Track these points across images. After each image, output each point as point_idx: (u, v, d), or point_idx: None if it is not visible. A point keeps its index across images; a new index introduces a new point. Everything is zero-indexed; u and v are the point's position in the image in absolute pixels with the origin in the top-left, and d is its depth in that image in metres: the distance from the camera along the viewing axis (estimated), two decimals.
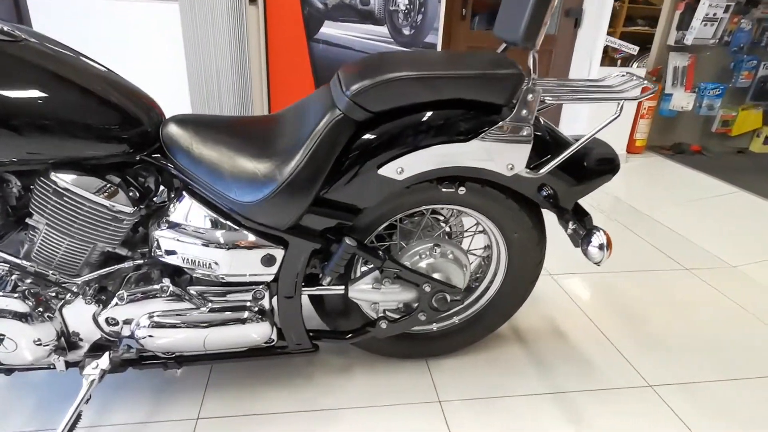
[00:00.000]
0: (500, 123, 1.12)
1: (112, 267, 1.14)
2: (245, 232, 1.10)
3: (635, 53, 3.31)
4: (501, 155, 1.14)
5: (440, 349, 1.52)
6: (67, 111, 0.96)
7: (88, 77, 1.02)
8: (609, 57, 3.33)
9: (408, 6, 3.12)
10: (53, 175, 1.00)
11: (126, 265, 1.15)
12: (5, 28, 0.97)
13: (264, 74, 3.08)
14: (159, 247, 1.11)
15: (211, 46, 2.86)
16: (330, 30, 3.12)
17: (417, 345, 1.49)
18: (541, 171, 1.17)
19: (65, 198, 1.01)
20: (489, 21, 3.57)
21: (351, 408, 1.36)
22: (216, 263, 1.10)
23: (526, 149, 1.14)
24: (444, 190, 1.18)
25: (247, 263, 1.12)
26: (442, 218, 1.50)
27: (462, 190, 1.19)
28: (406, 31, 3.19)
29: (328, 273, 1.17)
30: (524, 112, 1.12)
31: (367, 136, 1.10)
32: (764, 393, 1.48)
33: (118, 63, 2.91)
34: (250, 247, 1.10)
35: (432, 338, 1.49)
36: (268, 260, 1.12)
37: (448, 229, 1.51)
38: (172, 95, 3.01)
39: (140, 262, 1.16)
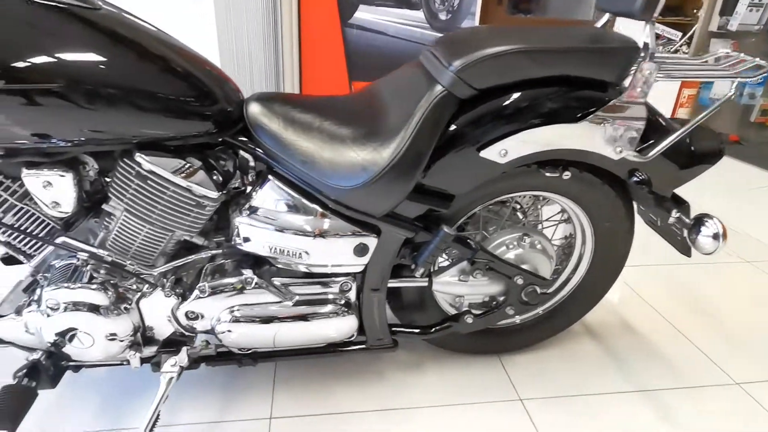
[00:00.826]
0: (612, 101, 1.03)
1: (189, 257, 1.06)
2: (339, 219, 1.02)
3: (677, 39, 3.20)
4: (611, 137, 1.05)
5: (516, 344, 1.44)
6: (153, 85, 0.88)
7: (171, 50, 0.93)
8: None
9: None
10: (138, 156, 0.91)
11: (202, 255, 1.07)
12: None
13: (296, 58, 2.98)
14: (240, 235, 1.03)
15: (244, 29, 2.77)
16: (364, 15, 3.01)
17: (492, 340, 1.41)
18: (650, 154, 1.08)
19: (149, 181, 0.93)
20: (515, 6, 3.45)
21: (428, 407, 1.29)
22: (306, 252, 1.02)
23: (638, 131, 1.05)
24: (548, 174, 1.09)
25: (339, 252, 1.03)
26: (518, 206, 1.41)
27: (567, 175, 1.10)
28: (443, 16, 3.09)
29: (422, 264, 1.08)
30: (638, 89, 1.03)
31: (467, 116, 1.02)
32: None
33: None
34: (343, 236, 1.02)
35: (508, 333, 1.41)
36: (360, 249, 1.04)
37: (521, 217, 1.43)
38: None
39: (216, 252, 1.08)
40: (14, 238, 0.99)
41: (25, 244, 1.01)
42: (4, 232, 0.98)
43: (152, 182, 0.93)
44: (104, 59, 0.85)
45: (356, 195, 0.98)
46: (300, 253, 1.02)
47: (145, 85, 0.87)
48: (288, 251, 1.02)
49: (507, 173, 1.11)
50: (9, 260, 1.13)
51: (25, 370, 0.95)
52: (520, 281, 1.20)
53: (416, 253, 1.11)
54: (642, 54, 1.03)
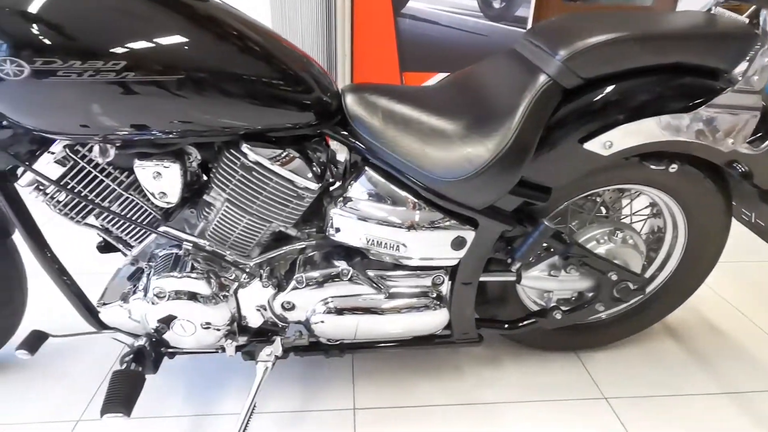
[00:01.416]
0: (727, 90, 0.97)
1: (283, 248, 1.06)
2: (437, 212, 1.00)
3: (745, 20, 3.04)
4: (724, 128, 1.00)
5: (596, 341, 1.40)
6: (260, 77, 0.88)
7: (274, 42, 0.93)
8: None
9: None
10: (244, 147, 0.92)
11: (296, 246, 1.07)
12: None
13: (348, 47, 2.97)
14: (335, 226, 1.02)
15: (298, 18, 2.77)
16: (417, 4, 2.97)
17: (572, 336, 1.37)
18: (762, 146, 1.03)
19: (254, 172, 0.93)
20: None
21: (511, 402, 1.27)
22: (404, 245, 1.01)
23: (753, 121, 1.00)
24: (653, 167, 1.05)
25: (437, 245, 1.02)
26: (599, 200, 1.36)
27: (673, 168, 1.05)
28: (497, 4, 3.02)
29: (520, 258, 1.06)
30: (756, 77, 0.97)
31: (570, 106, 0.98)
32: None
33: None
34: (442, 228, 1.00)
35: (589, 329, 1.37)
36: (458, 243, 1.02)
37: (603, 211, 1.38)
38: None
39: (309, 243, 1.08)
40: (118, 227, 1.02)
41: (127, 234, 1.04)
42: (109, 221, 1.00)
43: (257, 173, 0.93)
44: (214, 52, 0.85)
45: (460, 187, 0.96)
46: (397, 245, 1.01)
47: (253, 77, 0.87)
48: (385, 243, 1.01)
49: (606, 166, 1.07)
50: (105, 248, 1.16)
51: (131, 356, 0.98)
52: (614, 277, 1.16)
53: (511, 247, 1.09)
54: (759, 42, 0.97)
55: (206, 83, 0.84)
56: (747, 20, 1.06)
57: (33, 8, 0.74)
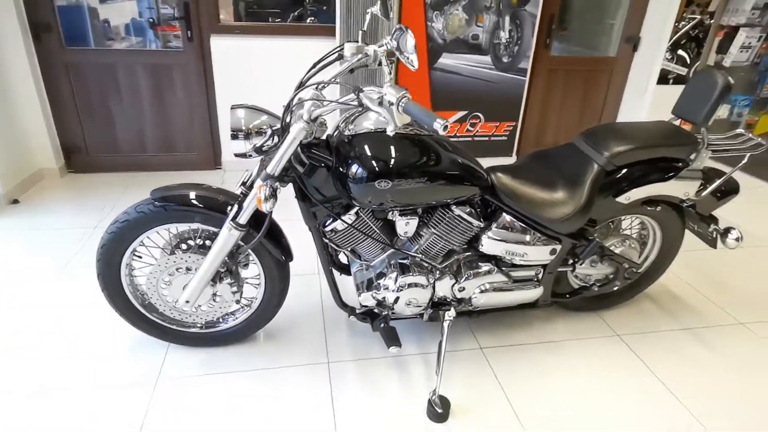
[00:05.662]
0: (685, 170, 1.92)
1: (456, 257, 1.93)
2: (543, 236, 1.90)
3: (684, 73, 4.12)
4: (683, 188, 1.95)
5: (609, 304, 2.36)
6: (457, 172, 1.72)
7: (462, 153, 1.78)
8: (661, 76, 4.13)
9: (508, 39, 3.86)
10: (453, 208, 1.77)
11: (461, 256, 1.94)
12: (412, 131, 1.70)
13: None
14: (483, 244, 1.89)
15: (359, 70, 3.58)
16: (446, 60, 3.85)
17: (594, 302, 2.32)
18: (703, 194, 1.99)
19: (455, 220, 1.79)
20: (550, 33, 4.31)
21: (570, 340, 2.19)
22: (526, 253, 1.90)
23: (697, 182, 1.95)
24: (648, 208, 2.00)
25: (543, 253, 1.92)
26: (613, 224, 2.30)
27: (659, 208, 2.01)
28: (505, 59, 3.94)
29: (583, 258, 1.98)
30: (698, 163, 1.93)
31: (608, 179, 1.90)
32: None
33: (282, 91, 3.62)
34: (546, 244, 1.91)
35: (605, 297, 2.32)
36: (552, 251, 1.93)
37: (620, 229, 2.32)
38: None
39: (467, 254, 1.95)
40: (364, 251, 1.84)
41: (367, 253, 1.86)
42: (359, 247, 1.83)
43: (457, 220, 1.79)
44: (440, 165, 1.68)
45: (555, 225, 1.85)
46: (523, 254, 1.90)
47: (456, 173, 1.71)
48: (516, 253, 1.90)
49: (626, 207, 2.00)
50: (340, 268, 1.99)
51: (382, 324, 1.83)
52: (626, 266, 2.11)
53: (576, 252, 2.00)
54: (700, 145, 1.92)
55: (436, 181, 1.67)
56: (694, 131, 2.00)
57: (395, 155, 1.56)
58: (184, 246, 1.83)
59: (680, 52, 4.10)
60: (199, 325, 1.98)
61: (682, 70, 4.11)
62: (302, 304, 2.35)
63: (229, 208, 1.72)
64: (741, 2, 4.03)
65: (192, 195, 1.72)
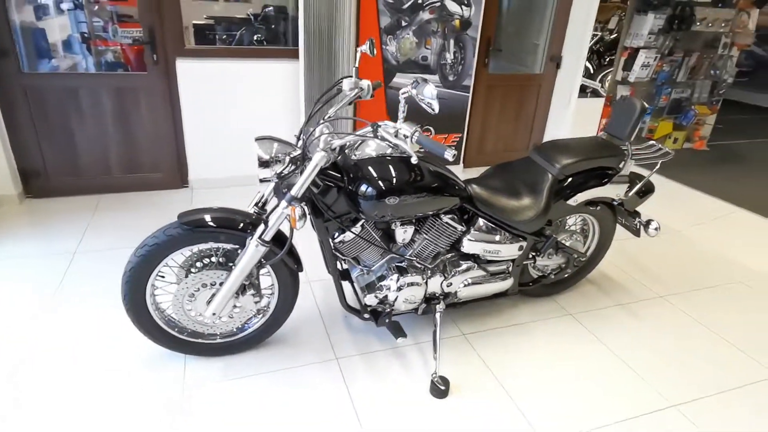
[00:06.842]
0: (615, 176, 2.40)
1: (443, 257, 2.27)
2: (512, 235, 2.30)
3: (599, 88, 4.79)
4: (615, 190, 2.43)
5: (560, 288, 2.82)
6: (442, 187, 2.07)
7: (445, 171, 2.13)
8: (580, 89, 4.78)
9: (453, 60, 4.30)
10: (442, 216, 2.11)
11: (448, 256, 2.29)
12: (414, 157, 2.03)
13: (350, 113, 4.10)
14: (464, 245, 2.25)
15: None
16: (399, 79, 4.21)
17: (550, 288, 2.77)
18: (629, 194, 2.49)
19: (443, 225, 2.13)
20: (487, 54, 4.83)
21: (534, 321, 2.61)
22: (499, 251, 2.28)
23: (623, 186, 2.45)
24: (591, 208, 2.46)
25: (512, 250, 2.31)
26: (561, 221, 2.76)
27: (598, 207, 2.48)
28: (451, 78, 4.37)
29: (542, 252, 2.40)
30: (626, 170, 2.42)
31: (559, 186, 2.34)
32: None
33: (247, 112, 3.80)
34: (514, 242, 2.30)
35: (558, 283, 2.77)
36: (520, 248, 2.33)
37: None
38: (287, 133, 3.96)
39: (450, 254, 2.30)
40: (364, 256, 2.14)
41: (366, 257, 2.15)
42: (361, 253, 2.12)
43: (445, 225, 2.13)
44: (430, 182, 2.02)
45: (522, 225, 2.25)
46: (498, 252, 2.28)
47: (441, 187, 2.06)
48: (490, 251, 2.28)
49: (574, 209, 2.45)
50: (341, 275, 2.26)
51: (387, 320, 2.13)
52: (575, 256, 2.56)
53: (537, 247, 2.42)
54: (626, 156, 2.41)
55: (431, 195, 2.01)
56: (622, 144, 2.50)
57: (399, 176, 1.87)
58: (201, 263, 2.01)
59: (586, 63, 4.76)
60: (219, 335, 2.17)
61: (597, 85, 4.78)
62: (300, 310, 2.58)
63: (242, 225, 1.93)
64: (640, 28, 4.77)
65: (216, 217, 1.92)
